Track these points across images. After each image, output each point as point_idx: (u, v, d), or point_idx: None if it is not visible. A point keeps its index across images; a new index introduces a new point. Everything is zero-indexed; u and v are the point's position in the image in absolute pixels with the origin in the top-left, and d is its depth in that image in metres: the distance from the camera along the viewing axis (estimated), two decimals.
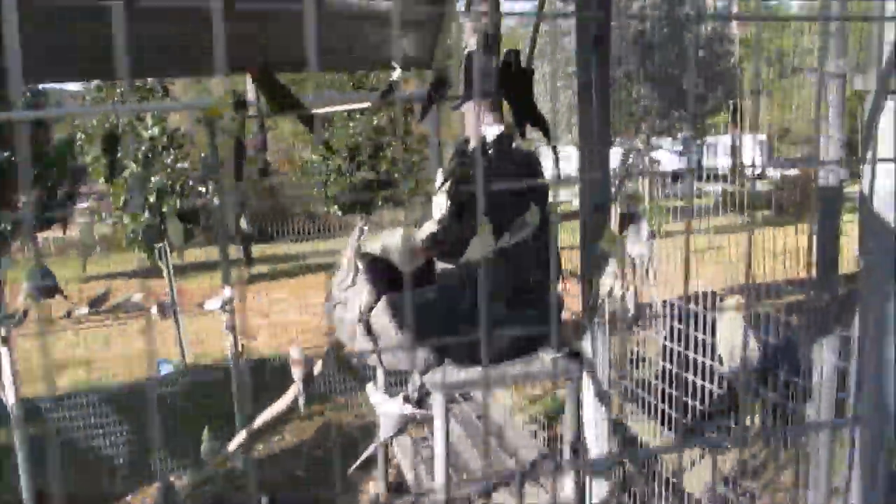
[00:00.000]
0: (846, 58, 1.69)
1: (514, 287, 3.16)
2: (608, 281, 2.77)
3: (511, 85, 2.96)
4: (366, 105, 6.21)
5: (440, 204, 4.37)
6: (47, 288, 4.62)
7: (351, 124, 16.03)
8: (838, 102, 1.73)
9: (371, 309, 3.19)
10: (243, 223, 5.27)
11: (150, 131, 10.14)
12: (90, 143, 10.94)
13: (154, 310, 6.23)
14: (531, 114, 3.27)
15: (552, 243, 3.46)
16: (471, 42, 3.81)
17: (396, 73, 4.72)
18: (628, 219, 2.60)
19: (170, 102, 9.75)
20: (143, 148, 10.35)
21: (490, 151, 3.72)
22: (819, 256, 1.85)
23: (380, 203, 17.17)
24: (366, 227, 3.78)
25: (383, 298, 3.11)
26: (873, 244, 1.68)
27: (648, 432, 3.50)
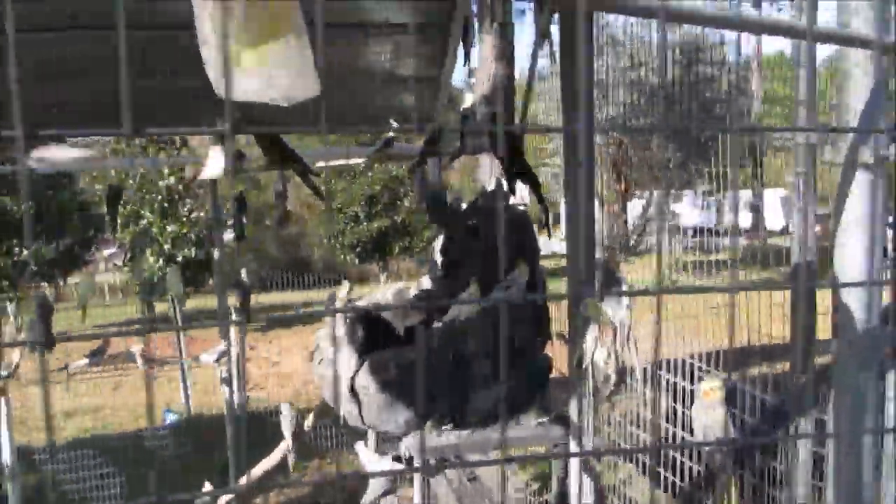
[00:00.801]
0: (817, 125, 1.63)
1: (502, 347, 3.08)
2: (590, 345, 2.68)
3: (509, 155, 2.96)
4: (361, 160, 6.24)
5: (437, 260, 4.34)
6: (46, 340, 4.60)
7: (369, 173, 16.18)
8: (810, 172, 1.67)
9: (354, 370, 3.12)
10: (243, 275, 5.26)
11: (166, 181, 10.31)
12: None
13: (138, 361, 6.21)
14: (520, 170, 3.25)
15: (542, 303, 3.39)
16: (467, 98, 3.82)
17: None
18: (609, 282, 2.53)
19: (184, 155, 9.95)
20: (160, 198, 10.52)
21: (481, 209, 3.69)
22: (794, 329, 1.76)
23: (396, 252, 17.20)
24: (353, 284, 3.74)
25: (366, 360, 3.04)
26: (846, 330, 1.60)
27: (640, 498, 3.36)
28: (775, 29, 1.27)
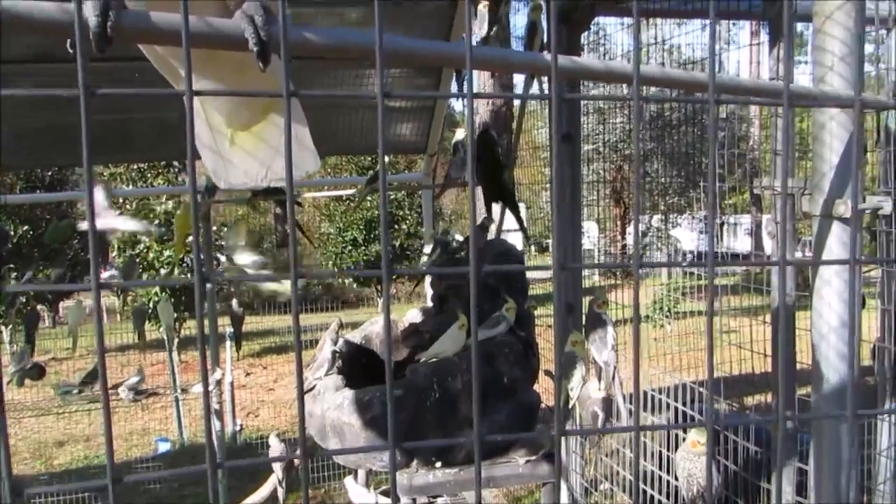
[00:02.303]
0: (794, 179, 1.63)
1: (489, 384, 3.05)
2: (576, 384, 2.66)
3: (481, 165, 2.97)
4: (352, 191, 6.25)
5: (429, 293, 4.31)
6: (32, 370, 4.59)
7: (368, 198, 16.22)
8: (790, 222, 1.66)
9: (339, 406, 3.10)
10: (234, 305, 5.24)
11: (163, 206, 10.32)
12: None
13: (122, 393, 6.16)
14: (499, 192, 3.25)
15: (530, 339, 3.36)
16: (458, 132, 3.83)
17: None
18: (595, 323, 2.51)
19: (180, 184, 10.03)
20: (157, 223, 10.53)
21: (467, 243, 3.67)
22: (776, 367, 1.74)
23: (395, 276, 17.19)
24: (343, 320, 3.72)
25: (350, 395, 3.02)
26: (824, 379, 1.58)
27: None
28: (755, 91, 1.26)
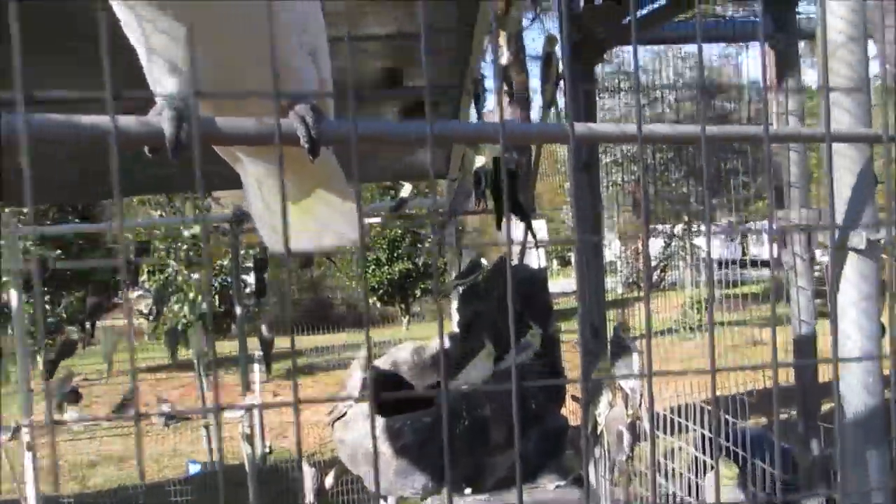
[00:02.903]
0: (808, 210, 1.67)
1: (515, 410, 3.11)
2: (603, 410, 2.71)
3: (497, 186, 3.08)
4: (377, 219, 6.35)
5: (454, 319, 4.37)
6: (70, 394, 4.72)
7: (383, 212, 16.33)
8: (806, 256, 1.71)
9: (370, 434, 3.16)
10: (264, 330, 5.35)
11: (191, 230, 10.52)
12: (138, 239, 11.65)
13: (155, 418, 6.28)
14: (512, 207, 3.32)
15: (557, 364, 3.42)
16: (478, 158, 3.92)
17: (406, 189, 4.87)
18: (620, 350, 2.57)
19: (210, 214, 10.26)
20: (185, 247, 10.73)
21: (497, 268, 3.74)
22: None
23: (418, 294, 17.27)
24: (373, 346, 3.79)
25: (382, 423, 3.09)
26: (848, 407, 1.62)
27: None
28: (743, 137, 1.32)
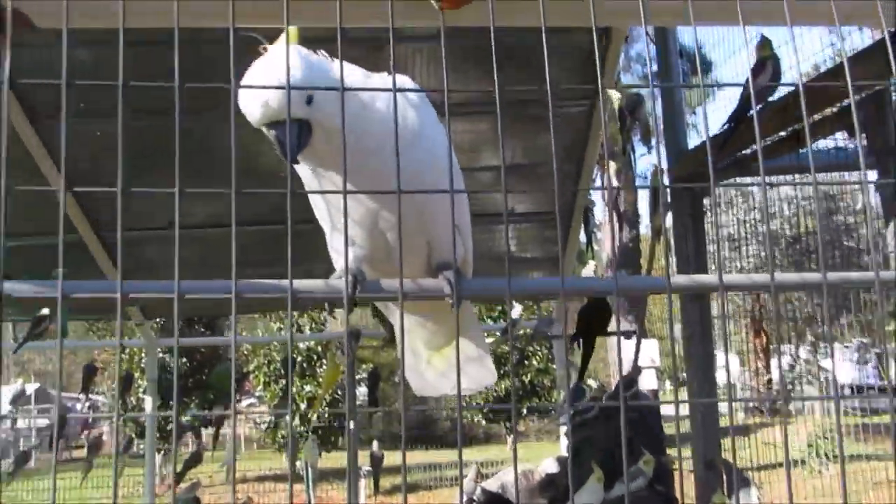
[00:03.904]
0: None
1: None
2: None
3: (590, 324, 3.17)
4: (490, 340, 6.48)
5: (563, 442, 4.37)
6: (193, 501, 4.95)
7: (497, 333, 16.39)
8: None
9: None
10: (375, 447, 5.48)
11: (306, 342, 11.01)
12: (255, 353, 12.33)
13: None
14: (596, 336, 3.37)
15: (671, 495, 3.34)
16: (588, 267, 4.04)
17: (517, 311, 5.00)
18: (738, 482, 2.52)
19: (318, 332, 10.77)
20: (299, 359, 11.20)
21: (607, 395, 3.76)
22: None
23: (524, 413, 17.00)
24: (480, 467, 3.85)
25: None
26: None
27: None
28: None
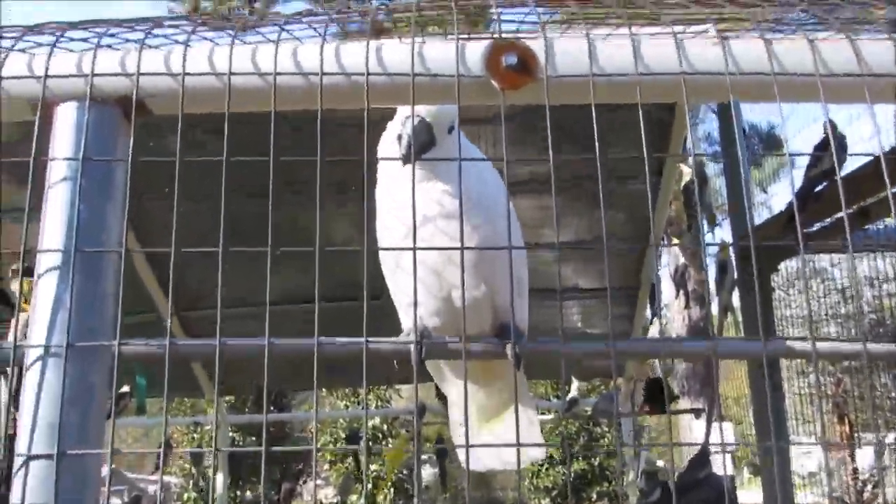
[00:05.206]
0: None
1: None
2: None
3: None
4: (550, 417, 6.40)
5: None
6: None
7: (556, 410, 16.04)
8: None
9: None
10: None
11: (372, 420, 11.04)
12: (323, 432, 12.44)
13: None
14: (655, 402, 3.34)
15: None
16: (640, 371, 4.01)
17: (575, 387, 4.96)
18: None
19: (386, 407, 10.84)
20: (366, 436, 11.21)
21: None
22: None
23: (594, 498, 16.32)
24: None
25: None
26: None
27: None
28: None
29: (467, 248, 0.89)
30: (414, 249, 0.87)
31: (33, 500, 0.77)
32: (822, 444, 8.12)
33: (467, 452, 1.18)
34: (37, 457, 0.79)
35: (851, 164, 3.08)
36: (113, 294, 0.90)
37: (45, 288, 0.86)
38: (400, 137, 1.32)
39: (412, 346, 1.08)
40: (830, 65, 0.93)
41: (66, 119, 0.93)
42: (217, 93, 0.92)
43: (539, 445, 1.48)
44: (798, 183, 3.07)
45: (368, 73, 0.90)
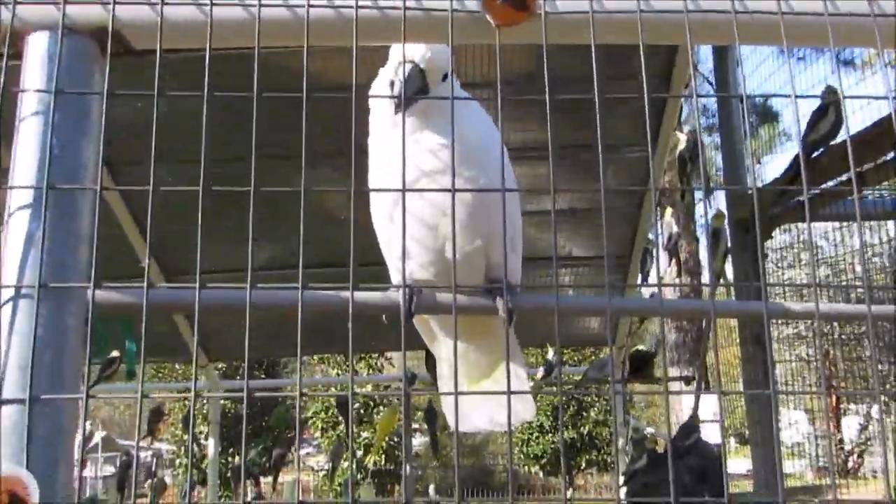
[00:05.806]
0: None
1: None
2: None
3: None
4: (528, 391, 6.44)
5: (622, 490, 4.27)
6: None
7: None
8: None
9: None
10: (431, 491, 5.43)
11: (363, 389, 11.07)
12: (313, 400, 12.47)
13: None
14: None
15: None
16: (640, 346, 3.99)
17: (550, 353, 4.99)
18: None
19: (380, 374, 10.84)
20: (356, 405, 11.26)
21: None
22: None
23: (583, 465, 16.52)
24: None
25: None
26: None
27: None
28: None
29: (458, 189, 0.86)
30: (403, 191, 0.83)
31: (5, 446, 0.74)
32: (818, 392, 8.18)
33: (456, 408, 1.15)
34: (8, 401, 0.76)
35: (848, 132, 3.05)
36: (88, 235, 0.86)
37: (17, 226, 0.82)
38: (392, 84, 1.28)
39: (401, 296, 1.05)
40: (840, 4, 0.89)
41: (37, 49, 0.88)
42: (198, 24, 0.87)
43: (525, 393, 1.46)
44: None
45: (358, 6, 0.86)
